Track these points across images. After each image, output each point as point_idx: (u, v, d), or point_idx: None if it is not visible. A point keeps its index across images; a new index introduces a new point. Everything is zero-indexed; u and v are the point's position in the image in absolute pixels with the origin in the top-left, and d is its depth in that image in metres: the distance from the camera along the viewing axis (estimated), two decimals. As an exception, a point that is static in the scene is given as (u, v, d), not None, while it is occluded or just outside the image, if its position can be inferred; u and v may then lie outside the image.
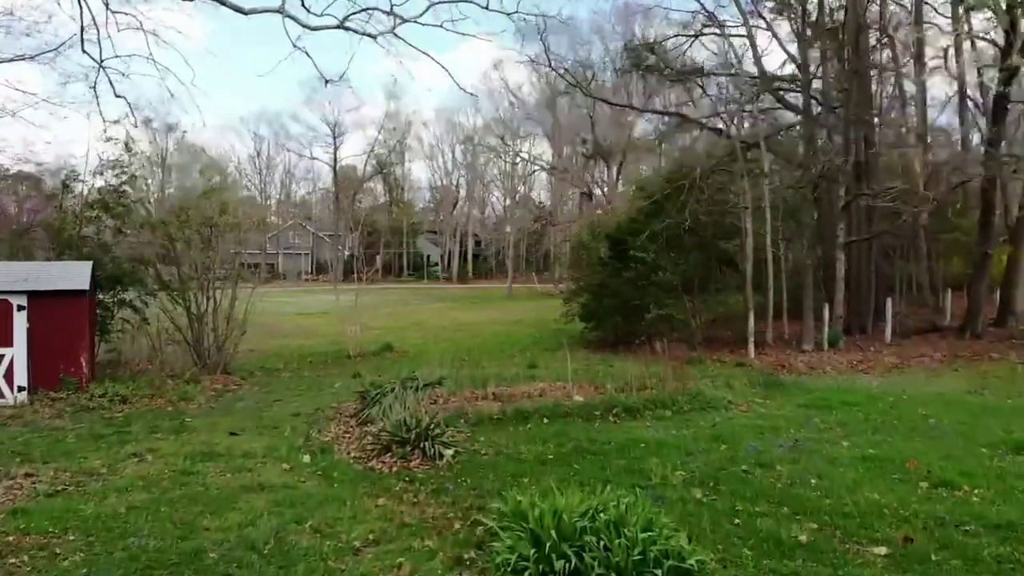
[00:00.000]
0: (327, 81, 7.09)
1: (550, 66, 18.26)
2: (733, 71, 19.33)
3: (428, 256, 77.76)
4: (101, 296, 11.93)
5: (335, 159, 71.79)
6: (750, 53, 18.74)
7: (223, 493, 5.70)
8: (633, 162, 47.63)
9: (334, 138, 70.56)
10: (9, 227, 12.07)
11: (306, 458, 6.47)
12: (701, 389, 9.99)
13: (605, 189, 46.69)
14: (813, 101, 18.02)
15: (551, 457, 6.54)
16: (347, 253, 74.50)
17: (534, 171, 62.16)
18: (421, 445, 6.31)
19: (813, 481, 5.99)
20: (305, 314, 27.08)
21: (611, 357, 15.72)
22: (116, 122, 10.90)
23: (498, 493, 5.19)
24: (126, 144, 12.41)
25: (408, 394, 8.19)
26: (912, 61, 20.95)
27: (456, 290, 54.86)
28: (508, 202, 69.85)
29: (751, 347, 15.25)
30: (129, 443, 7.26)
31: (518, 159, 53.17)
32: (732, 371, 13.54)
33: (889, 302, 17.86)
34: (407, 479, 5.96)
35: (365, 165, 74.30)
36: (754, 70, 18.69)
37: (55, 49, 9.68)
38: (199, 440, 7.37)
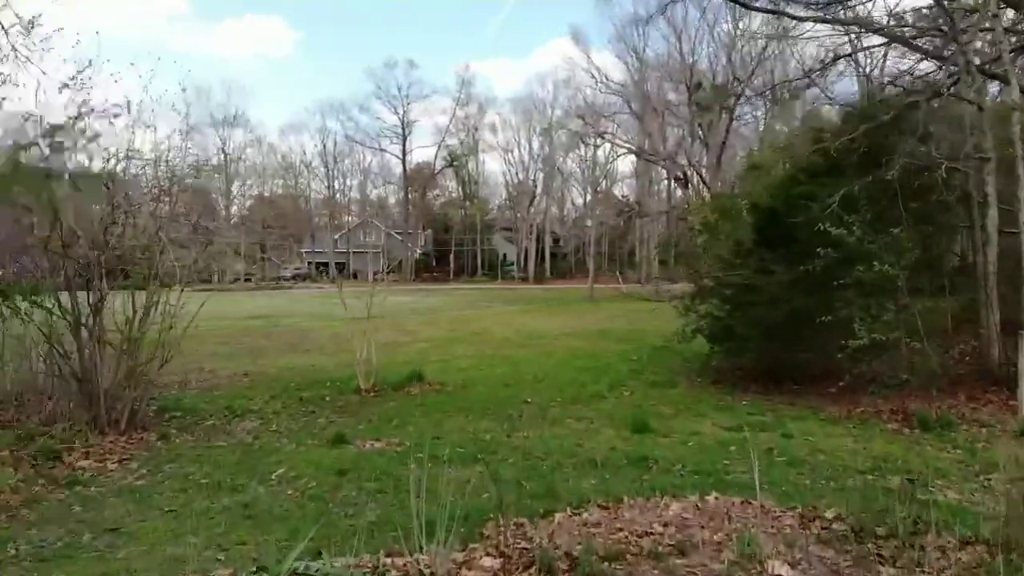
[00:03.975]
0: None
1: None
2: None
3: (504, 255, 72.64)
4: None
5: (403, 151, 67.69)
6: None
7: None
8: (731, 147, 40.59)
9: (403, 127, 66.45)
10: None
11: None
12: None
13: (703, 172, 39.62)
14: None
15: None
16: (419, 251, 70.25)
17: (619, 156, 55.47)
18: None
19: None
20: (354, 319, 22.06)
21: (767, 404, 9.51)
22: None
23: None
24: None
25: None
26: None
27: (531, 291, 49.16)
28: (589, 196, 63.49)
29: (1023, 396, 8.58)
30: None
31: (601, 140, 46.72)
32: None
33: None
34: None
35: (436, 158, 69.93)
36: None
37: None
38: None
